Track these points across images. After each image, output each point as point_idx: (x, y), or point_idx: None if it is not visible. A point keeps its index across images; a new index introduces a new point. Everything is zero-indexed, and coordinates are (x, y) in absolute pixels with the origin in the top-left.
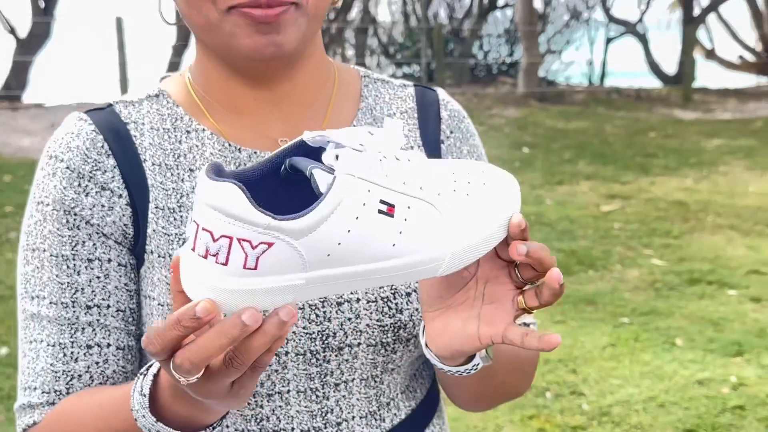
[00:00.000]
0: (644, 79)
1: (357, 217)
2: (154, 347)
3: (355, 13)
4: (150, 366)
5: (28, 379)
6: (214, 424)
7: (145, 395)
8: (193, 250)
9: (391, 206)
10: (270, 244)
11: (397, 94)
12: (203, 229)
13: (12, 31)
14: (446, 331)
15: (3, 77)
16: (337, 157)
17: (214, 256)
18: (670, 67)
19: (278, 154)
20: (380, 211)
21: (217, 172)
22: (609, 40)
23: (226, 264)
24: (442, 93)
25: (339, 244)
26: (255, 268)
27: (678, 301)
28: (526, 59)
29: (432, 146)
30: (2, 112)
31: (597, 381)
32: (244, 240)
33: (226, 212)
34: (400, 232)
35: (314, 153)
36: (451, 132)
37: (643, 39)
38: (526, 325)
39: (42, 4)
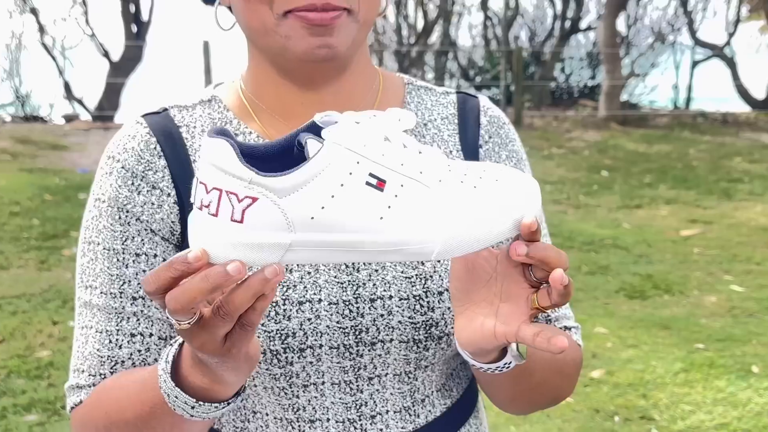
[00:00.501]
0: (731, 103)
1: (342, 185)
2: (149, 286)
3: (435, 36)
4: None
5: (77, 362)
6: (230, 401)
7: (168, 362)
8: (192, 202)
9: (381, 181)
10: (254, 199)
11: (439, 101)
12: (200, 182)
13: (106, 54)
14: (469, 326)
15: (97, 98)
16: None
17: (206, 207)
18: (759, 92)
19: (292, 134)
20: (368, 183)
21: (220, 133)
22: (695, 64)
23: (216, 215)
24: (483, 100)
25: (322, 208)
26: (241, 221)
27: (756, 328)
28: (607, 82)
29: (471, 149)
30: (95, 131)
31: (668, 406)
32: (231, 192)
33: (217, 165)
34: (389, 207)
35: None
36: (490, 137)
37: (730, 62)
38: (568, 329)
39: (134, 29)
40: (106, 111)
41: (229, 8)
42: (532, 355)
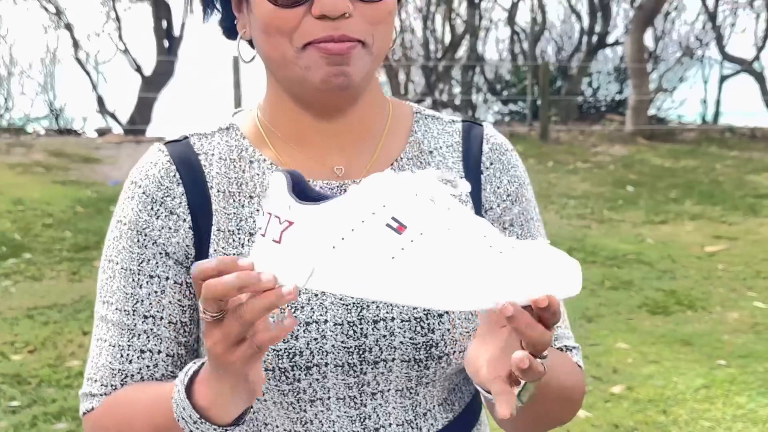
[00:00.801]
0: (760, 118)
1: (363, 221)
2: (197, 271)
3: (462, 51)
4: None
5: (91, 372)
6: (227, 428)
7: (187, 374)
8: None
9: (402, 225)
10: (291, 223)
11: (445, 129)
12: (262, 206)
13: (138, 69)
14: (471, 357)
15: (129, 112)
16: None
17: (260, 228)
18: None
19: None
20: (389, 225)
21: (290, 172)
22: (724, 78)
23: (264, 235)
24: (488, 128)
25: (342, 239)
26: (279, 242)
27: None
28: (634, 97)
29: (473, 174)
30: (127, 145)
31: (687, 422)
32: (276, 216)
33: (274, 194)
34: (402, 249)
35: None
36: (491, 163)
37: (759, 77)
38: (569, 349)
39: (166, 45)
40: (137, 125)
41: (250, 42)
42: (543, 387)
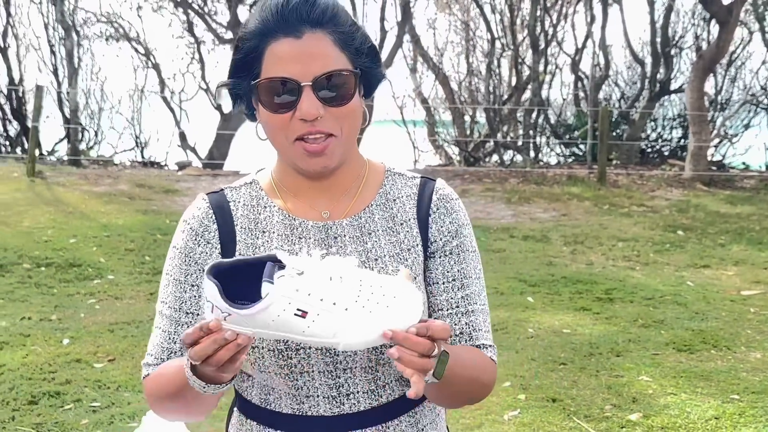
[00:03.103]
0: None
1: (278, 315)
2: (186, 339)
3: (527, 94)
4: None
5: (149, 349)
6: (227, 383)
7: (189, 360)
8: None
9: (304, 312)
10: (229, 314)
11: (407, 183)
12: (205, 297)
13: (218, 107)
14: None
15: (208, 147)
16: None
17: (212, 312)
18: None
19: (262, 258)
20: (295, 314)
21: (214, 270)
22: None
23: (212, 312)
24: (438, 182)
25: (272, 321)
26: (225, 321)
27: None
28: (694, 143)
29: (423, 218)
30: (205, 178)
31: None
32: (217, 307)
33: (211, 295)
34: (308, 327)
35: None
36: (437, 209)
37: None
38: (484, 347)
39: None
40: (215, 159)
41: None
42: (451, 377)
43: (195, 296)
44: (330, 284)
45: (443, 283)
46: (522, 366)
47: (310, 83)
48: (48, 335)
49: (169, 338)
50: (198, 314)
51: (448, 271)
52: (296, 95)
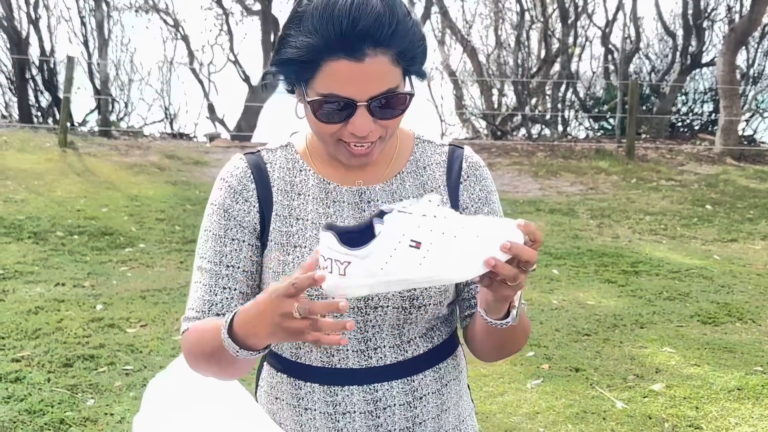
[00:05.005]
0: None
1: (395, 249)
2: (300, 284)
3: (556, 67)
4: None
5: (189, 303)
6: (259, 352)
7: (227, 322)
8: (319, 266)
9: (418, 243)
10: (349, 262)
11: (436, 151)
12: (321, 255)
13: (246, 79)
14: (482, 297)
15: (236, 119)
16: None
17: (325, 269)
18: None
19: (369, 219)
20: (410, 245)
21: (329, 226)
22: None
23: (331, 272)
24: (467, 150)
25: (386, 263)
26: (344, 275)
27: None
28: (725, 117)
29: (453, 185)
30: (234, 149)
31: (716, 418)
32: (336, 260)
33: (329, 247)
34: (423, 257)
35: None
36: (467, 177)
37: None
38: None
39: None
40: (243, 131)
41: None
42: (512, 328)
43: (234, 250)
44: (436, 218)
45: None
46: (546, 336)
47: (366, 103)
48: (82, 301)
49: (210, 291)
50: (238, 266)
51: None
52: (350, 110)
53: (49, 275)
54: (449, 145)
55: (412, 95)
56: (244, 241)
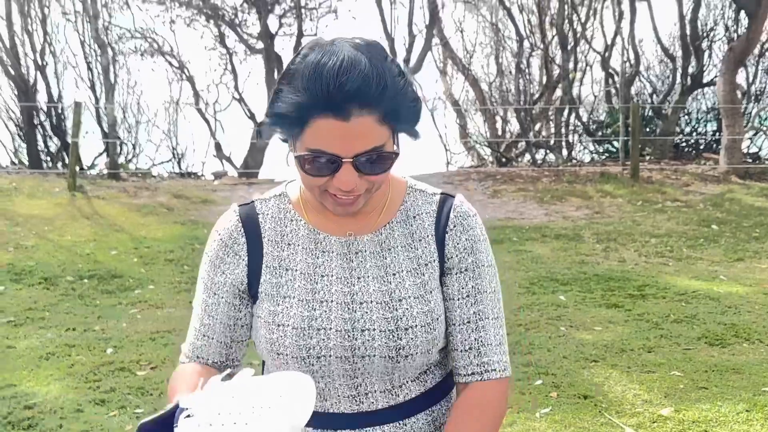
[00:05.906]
0: None
1: None
2: None
3: (558, 92)
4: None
5: (185, 342)
6: None
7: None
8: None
9: None
10: None
11: (427, 200)
12: None
13: (252, 116)
14: None
15: (243, 157)
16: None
17: None
18: None
19: (171, 410)
20: None
21: (145, 429)
22: None
23: None
24: (458, 199)
25: None
26: None
27: None
28: (728, 136)
29: (440, 234)
30: (241, 186)
31: None
32: None
33: None
34: None
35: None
36: (454, 226)
37: None
38: (492, 369)
39: None
40: (251, 168)
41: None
42: None
43: (215, 302)
44: (218, 417)
45: (458, 299)
46: (554, 364)
47: (351, 159)
48: (92, 345)
49: (195, 335)
50: (217, 318)
51: (462, 287)
52: (336, 165)
53: (59, 320)
54: (441, 194)
55: (397, 155)
56: (222, 297)
